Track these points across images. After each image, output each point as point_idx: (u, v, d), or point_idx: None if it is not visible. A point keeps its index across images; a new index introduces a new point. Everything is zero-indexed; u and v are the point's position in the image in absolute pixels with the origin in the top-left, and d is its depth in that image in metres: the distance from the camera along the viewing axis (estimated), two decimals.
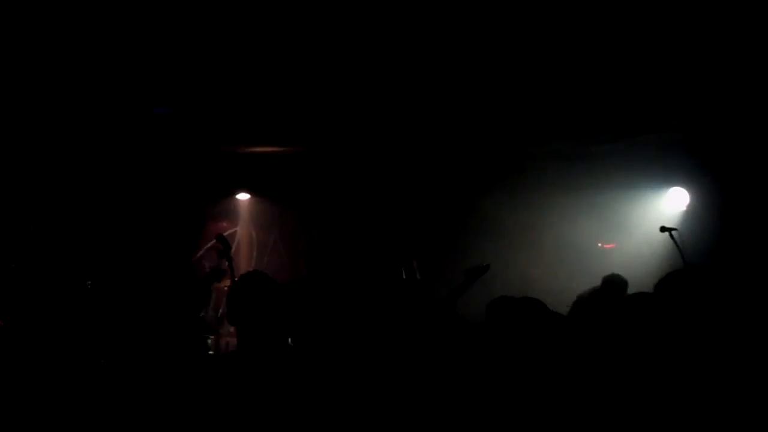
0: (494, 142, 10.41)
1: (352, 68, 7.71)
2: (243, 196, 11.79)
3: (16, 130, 9.18)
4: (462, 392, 4.83)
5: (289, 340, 5.92)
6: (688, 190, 11.00)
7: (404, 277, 7.48)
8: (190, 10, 6.42)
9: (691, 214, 10.78)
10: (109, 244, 10.08)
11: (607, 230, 10.31)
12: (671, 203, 11.10)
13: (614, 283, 8.69)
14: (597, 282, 8.70)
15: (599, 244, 10.55)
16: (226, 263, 8.02)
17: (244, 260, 11.43)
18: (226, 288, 8.28)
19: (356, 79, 8.04)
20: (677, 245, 7.87)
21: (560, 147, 10.64)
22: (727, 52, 7.76)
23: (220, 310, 8.98)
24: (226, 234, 9.68)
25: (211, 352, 8.68)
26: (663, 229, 8.24)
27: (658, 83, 8.42)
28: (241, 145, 10.61)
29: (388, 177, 11.13)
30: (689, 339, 4.95)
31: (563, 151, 10.70)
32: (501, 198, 10.81)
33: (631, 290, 8.72)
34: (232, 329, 7.97)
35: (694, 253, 7.84)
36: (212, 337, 9.06)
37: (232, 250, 8.78)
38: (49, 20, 6.48)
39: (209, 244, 10.79)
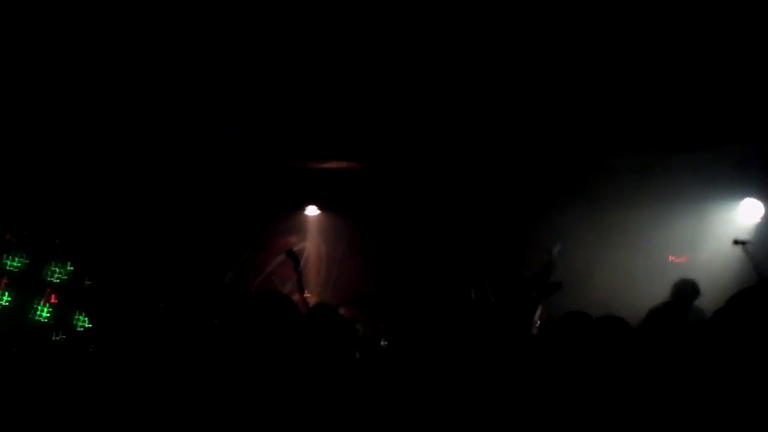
0: (567, 153, 10.40)
1: (421, 83, 7.78)
2: (312, 211, 11.87)
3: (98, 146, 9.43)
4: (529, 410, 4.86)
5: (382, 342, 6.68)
6: (762, 202, 10.71)
7: (474, 297, 7.58)
8: (261, 29, 6.60)
9: (765, 226, 10.52)
10: (178, 259, 10.23)
11: (679, 243, 10.14)
12: (745, 216, 10.81)
13: (683, 290, 8.66)
14: (667, 295, 8.63)
15: (670, 258, 10.37)
16: (296, 277, 8.13)
17: (312, 275, 11.50)
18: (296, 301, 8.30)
19: (425, 94, 8.11)
20: (750, 259, 8.05)
21: (633, 158, 10.56)
22: None
23: None
24: (295, 249, 9.74)
25: None
26: (736, 242, 8.40)
27: (733, 95, 8.38)
28: (310, 161, 10.74)
29: (457, 191, 11.15)
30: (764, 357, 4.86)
31: (636, 162, 10.62)
32: (573, 211, 10.68)
33: (703, 304, 8.67)
34: None
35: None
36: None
37: (301, 264, 8.93)
38: (126, 34, 6.71)
39: (278, 260, 10.86)
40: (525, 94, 8.27)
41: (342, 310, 8.50)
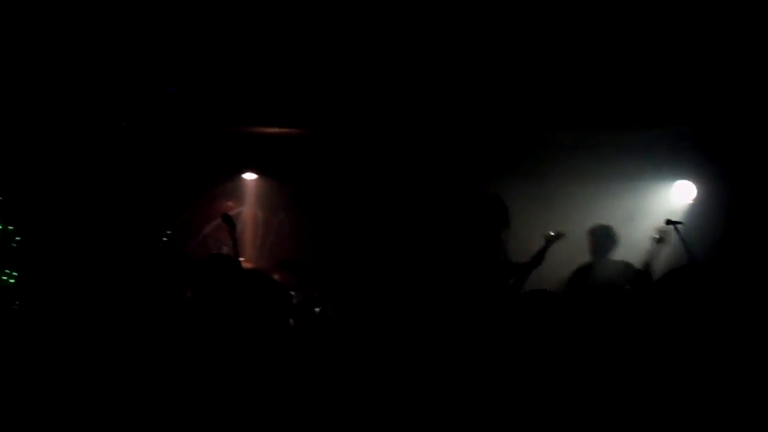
0: (507, 129, 10.45)
1: (364, 49, 7.83)
2: (250, 176, 11.73)
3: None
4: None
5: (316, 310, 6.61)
6: (695, 184, 10.75)
7: (410, 269, 7.82)
8: None
9: (697, 208, 10.57)
10: (112, 219, 10.09)
11: (615, 221, 9.81)
12: (678, 197, 10.89)
13: (599, 236, 8.85)
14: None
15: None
16: (232, 242, 7.97)
17: (249, 240, 11.40)
18: None
19: (368, 61, 8.14)
20: (682, 239, 7.95)
21: (570, 136, 10.58)
22: (737, 47, 7.88)
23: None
24: (231, 214, 9.63)
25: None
26: (669, 222, 8.31)
27: (669, 76, 8.50)
28: (250, 125, 10.64)
29: (398, 163, 11.06)
30: (691, 333, 5.12)
31: (573, 140, 10.62)
32: (511, 186, 10.16)
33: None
34: None
35: (699, 248, 7.93)
36: None
37: (237, 229, 8.78)
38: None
39: (214, 223, 10.81)
40: (466, 66, 8.34)
41: (276, 276, 8.54)
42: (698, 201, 10.62)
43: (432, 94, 9.21)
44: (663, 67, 8.40)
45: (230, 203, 11.47)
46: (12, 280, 8.71)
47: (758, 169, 9.89)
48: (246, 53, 8.21)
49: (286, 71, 8.61)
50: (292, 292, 8.01)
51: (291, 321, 7.21)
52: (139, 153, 10.42)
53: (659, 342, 5.26)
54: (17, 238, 9.14)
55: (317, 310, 7.76)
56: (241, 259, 7.97)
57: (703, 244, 8.47)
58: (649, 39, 7.75)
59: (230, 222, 8.32)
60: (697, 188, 10.70)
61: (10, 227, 9.05)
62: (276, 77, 8.84)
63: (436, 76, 8.73)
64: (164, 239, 10.13)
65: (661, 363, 5.13)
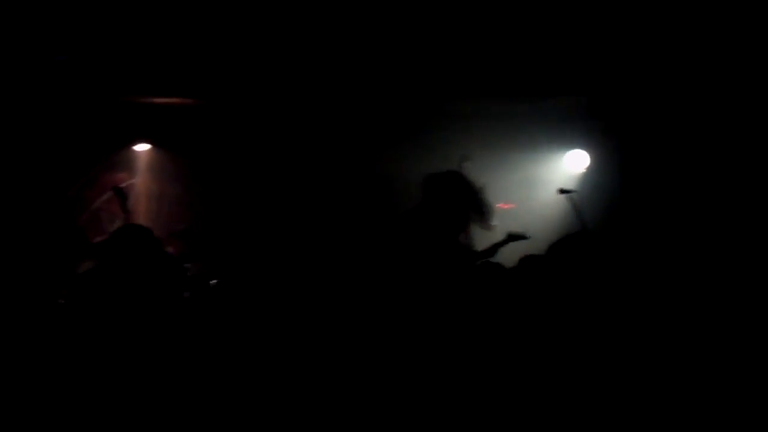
0: (401, 98, 10.36)
1: (257, 15, 7.77)
2: (142, 147, 11.47)
3: None
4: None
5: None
6: (588, 153, 10.97)
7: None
8: None
9: (589, 176, 10.78)
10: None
11: (510, 191, 10.16)
12: (571, 166, 11.08)
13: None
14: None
15: (498, 205, 9.73)
16: (124, 215, 7.97)
17: (141, 212, 11.15)
18: None
19: (261, 27, 8.07)
20: (575, 208, 7.79)
21: (467, 106, 10.58)
22: (627, 17, 8.00)
23: None
24: (123, 186, 9.51)
25: None
26: (562, 191, 8.19)
27: (563, 47, 8.55)
28: (142, 95, 10.45)
29: (294, 134, 10.96)
30: (580, 301, 5.10)
31: (469, 110, 10.66)
32: (405, 155, 10.61)
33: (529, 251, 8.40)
34: None
35: (591, 217, 7.77)
36: None
37: (130, 202, 8.69)
38: None
39: (106, 196, 10.57)
40: (362, 36, 8.32)
41: (170, 249, 8.38)
42: (591, 170, 10.82)
43: (327, 63, 9.10)
44: (556, 38, 8.44)
45: (122, 175, 11.24)
46: None
47: (648, 137, 10.06)
48: (137, 21, 8.07)
49: (178, 40, 8.51)
50: (187, 265, 7.91)
51: (186, 294, 6.99)
52: (26, 123, 10.22)
53: (550, 311, 5.30)
54: None
55: (213, 282, 7.58)
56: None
57: (594, 212, 8.46)
58: (542, 9, 7.84)
59: (122, 194, 8.22)
60: (591, 157, 10.90)
61: None
62: (168, 46, 8.70)
63: (330, 44, 8.66)
64: (55, 212, 9.93)
65: (546, 330, 5.20)
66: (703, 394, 4.79)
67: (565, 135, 10.88)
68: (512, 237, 7.87)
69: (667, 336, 5.16)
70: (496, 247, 7.75)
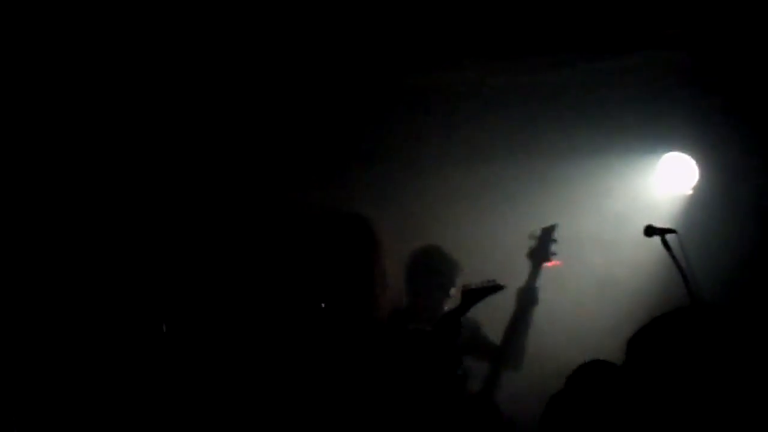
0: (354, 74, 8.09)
1: None
2: None
3: None
4: None
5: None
6: (698, 160, 7.62)
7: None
8: None
9: (701, 202, 7.62)
10: None
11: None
12: (665, 182, 7.79)
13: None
14: None
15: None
16: None
17: None
18: None
19: None
20: (676, 262, 5.65)
21: (459, 76, 7.76)
22: None
23: None
24: None
25: None
26: (650, 231, 6.03)
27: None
28: None
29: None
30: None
31: (457, 80, 7.82)
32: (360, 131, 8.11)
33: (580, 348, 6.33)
34: None
35: (707, 278, 5.76)
36: None
37: None
38: None
39: None
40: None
41: None
42: (702, 189, 7.75)
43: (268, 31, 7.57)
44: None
45: None
46: None
47: None
48: None
49: None
50: None
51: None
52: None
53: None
54: None
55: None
56: None
57: (711, 268, 6.41)
58: None
59: None
60: (700, 168, 7.74)
61: None
62: None
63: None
64: None
65: None
66: None
67: (652, 126, 7.70)
68: (475, 294, 6.21)
69: None
70: (457, 314, 6.11)
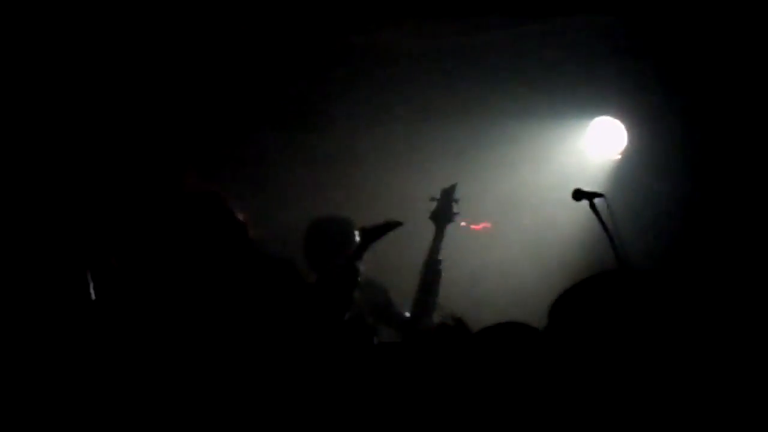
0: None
1: None
2: None
3: None
4: None
5: None
6: (624, 124, 7.78)
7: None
8: None
9: (629, 167, 7.79)
10: None
11: (479, 196, 7.03)
12: (594, 146, 7.90)
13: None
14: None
15: (462, 223, 7.06)
16: None
17: None
18: None
19: None
20: (604, 225, 5.65)
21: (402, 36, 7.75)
22: None
23: None
24: None
25: None
26: (578, 194, 5.96)
27: None
28: None
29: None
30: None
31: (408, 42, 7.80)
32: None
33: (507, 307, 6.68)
34: None
35: (632, 241, 5.79)
36: None
37: None
38: None
39: None
40: None
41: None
42: (630, 155, 7.88)
43: None
44: None
45: None
46: None
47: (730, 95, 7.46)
48: None
49: None
50: None
51: None
52: None
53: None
54: None
55: None
56: None
57: (637, 231, 6.59)
58: None
59: None
60: (629, 131, 7.87)
61: None
62: None
63: None
64: None
65: None
66: None
67: (582, 91, 7.78)
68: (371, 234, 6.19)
69: None
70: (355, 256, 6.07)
